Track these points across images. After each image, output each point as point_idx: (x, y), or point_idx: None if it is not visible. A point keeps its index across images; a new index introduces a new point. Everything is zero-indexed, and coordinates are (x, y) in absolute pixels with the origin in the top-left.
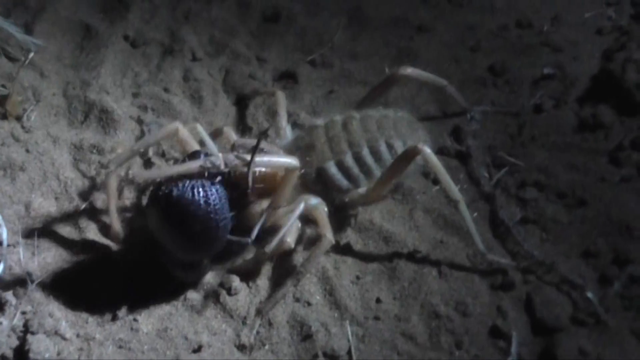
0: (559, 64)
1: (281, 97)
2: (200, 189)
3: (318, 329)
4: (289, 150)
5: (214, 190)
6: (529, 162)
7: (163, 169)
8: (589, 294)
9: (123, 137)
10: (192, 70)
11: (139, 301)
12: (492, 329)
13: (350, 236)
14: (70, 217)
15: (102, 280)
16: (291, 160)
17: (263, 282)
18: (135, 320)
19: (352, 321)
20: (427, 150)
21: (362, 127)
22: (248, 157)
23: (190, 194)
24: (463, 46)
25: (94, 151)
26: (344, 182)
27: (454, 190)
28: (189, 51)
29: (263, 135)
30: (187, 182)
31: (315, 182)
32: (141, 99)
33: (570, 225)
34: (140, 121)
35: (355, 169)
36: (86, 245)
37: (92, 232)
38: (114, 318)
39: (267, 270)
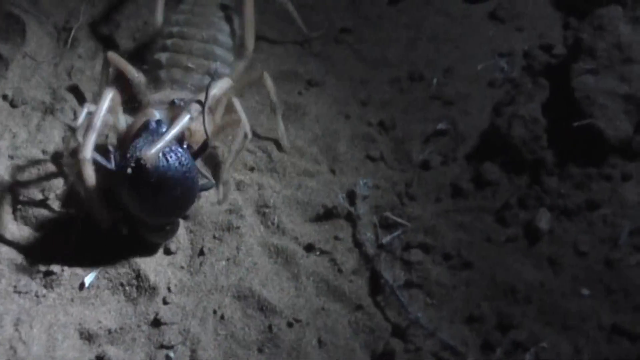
0: (452, 119)
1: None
2: (172, 153)
3: None
4: None
5: (181, 150)
6: (415, 221)
7: (163, 139)
8: None
9: None
10: None
11: None
12: None
13: (228, 305)
14: None
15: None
16: (227, 82)
17: None
18: None
19: None
20: None
21: None
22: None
23: (165, 161)
24: (354, 100)
25: None
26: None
27: None
28: (71, 110)
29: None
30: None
31: None
32: (17, 161)
33: (455, 288)
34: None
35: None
36: None
37: None
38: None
39: None
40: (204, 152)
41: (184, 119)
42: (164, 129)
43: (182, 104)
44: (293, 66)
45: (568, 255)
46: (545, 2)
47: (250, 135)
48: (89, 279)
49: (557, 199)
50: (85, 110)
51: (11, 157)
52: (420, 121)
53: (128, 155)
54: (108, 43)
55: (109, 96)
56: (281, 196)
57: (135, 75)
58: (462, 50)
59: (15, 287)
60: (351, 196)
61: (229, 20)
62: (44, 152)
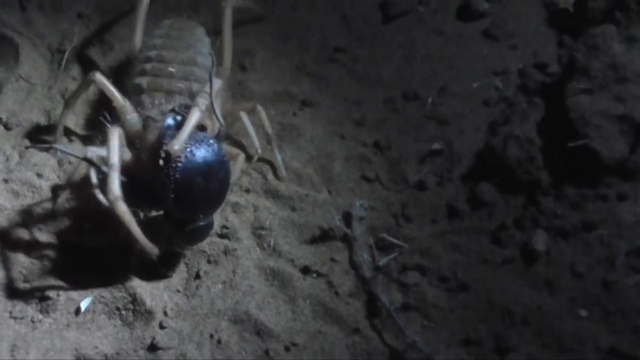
0: (447, 139)
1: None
2: (211, 141)
3: None
4: None
5: (212, 140)
6: (411, 242)
7: (184, 130)
8: None
9: None
10: None
11: None
12: None
13: (224, 329)
14: None
15: None
16: (220, 80)
17: None
18: None
19: None
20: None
21: None
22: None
23: (211, 151)
24: (348, 121)
25: None
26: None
27: None
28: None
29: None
30: (197, 143)
31: None
32: (12, 185)
33: (451, 311)
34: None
35: None
36: None
37: None
38: None
39: None
40: (224, 138)
41: (196, 113)
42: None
43: (182, 109)
44: (287, 86)
45: (565, 277)
46: (539, 21)
47: (260, 151)
48: (84, 303)
49: (553, 219)
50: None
51: (5, 181)
52: (416, 141)
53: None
54: (98, 66)
55: (117, 133)
56: (277, 218)
57: (122, 102)
58: (456, 69)
59: (10, 312)
60: (347, 218)
61: (205, 41)
62: (38, 175)
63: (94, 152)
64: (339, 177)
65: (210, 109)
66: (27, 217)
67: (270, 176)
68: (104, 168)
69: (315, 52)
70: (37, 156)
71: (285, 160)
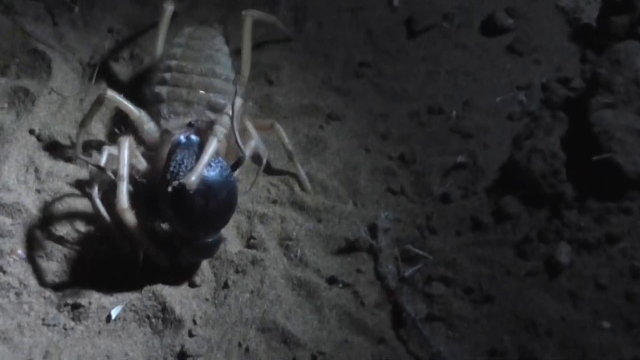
0: (471, 153)
1: None
2: (215, 163)
3: None
4: None
5: (222, 163)
6: (436, 254)
7: (201, 162)
8: None
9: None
10: None
11: None
12: None
13: (252, 338)
14: None
15: None
16: (240, 99)
17: None
18: None
19: None
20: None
21: None
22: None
23: (219, 175)
24: (374, 134)
25: None
26: None
27: None
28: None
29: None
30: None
31: None
32: (44, 195)
33: (476, 322)
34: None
35: None
36: None
37: None
38: None
39: None
40: (240, 166)
41: (213, 144)
42: (194, 142)
43: (200, 124)
44: (313, 100)
45: (588, 289)
46: (562, 36)
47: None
48: (115, 311)
49: (577, 232)
50: (106, 152)
51: (38, 192)
52: (440, 154)
53: (169, 174)
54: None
55: (126, 144)
56: (304, 229)
57: (137, 113)
58: (480, 83)
59: (43, 319)
60: (373, 229)
61: (225, 50)
62: (69, 185)
63: (112, 151)
64: (365, 189)
65: (233, 137)
66: (59, 227)
67: (296, 188)
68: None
69: (341, 66)
70: (69, 167)
71: (311, 173)
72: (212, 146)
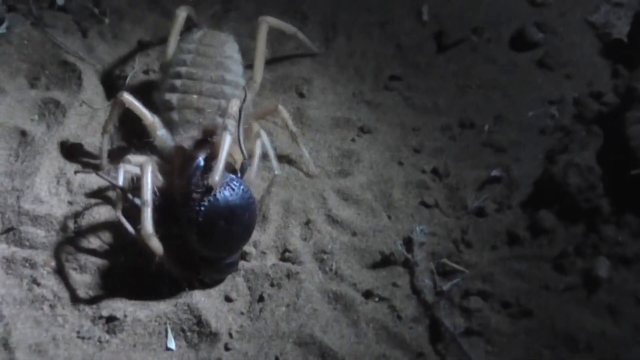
0: (505, 167)
1: None
2: (235, 184)
3: None
4: None
5: (235, 177)
6: (472, 268)
7: (219, 160)
8: None
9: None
10: None
11: None
12: None
13: (289, 352)
14: None
15: None
16: (238, 100)
17: None
18: None
19: None
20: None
21: None
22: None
23: (233, 189)
24: (406, 147)
25: (26, 265)
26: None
27: None
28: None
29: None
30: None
31: None
32: (76, 207)
33: (515, 337)
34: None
35: None
36: None
37: None
38: None
39: None
40: (245, 172)
41: (227, 139)
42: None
43: (211, 139)
44: (345, 113)
45: (628, 304)
46: (593, 51)
47: (277, 172)
48: (170, 342)
49: (615, 247)
50: (122, 171)
51: (70, 203)
52: (473, 168)
53: (193, 194)
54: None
55: (149, 169)
56: (338, 242)
57: (151, 119)
58: (511, 97)
59: (78, 332)
60: (408, 243)
61: (236, 57)
62: (102, 198)
63: (129, 170)
64: (399, 202)
65: (237, 140)
66: (92, 239)
67: (330, 202)
68: (137, 201)
69: (372, 80)
70: (99, 179)
71: (344, 186)
72: (226, 142)
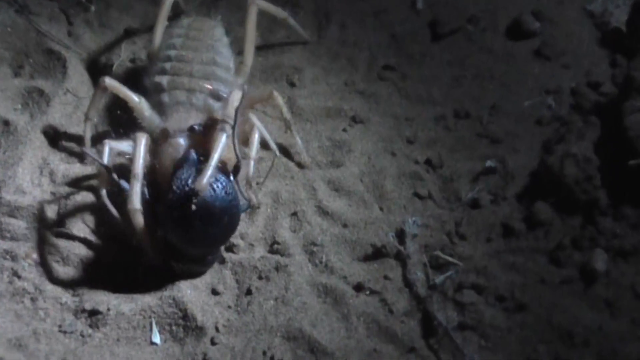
0: (500, 158)
1: None
2: (218, 183)
3: None
4: None
5: (223, 177)
6: (466, 261)
7: (210, 164)
8: None
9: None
10: None
11: None
12: None
13: (278, 346)
14: None
15: None
16: (238, 93)
17: None
18: None
19: None
20: None
21: None
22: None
23: (215, 191)
24: (399, 138)
25: (7, 257)
26: None
27: None
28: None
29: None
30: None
31: None
32: (58, 198)
33: (510, 331)
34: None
35: None
36: None
37: None
38: None
39: None
40: (238, 173)
41: (223, 141)
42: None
43: (201, 129)
44: (337, 103)
45: (626, 298)
46: (590, 40)
47: (278, 154)
48: (155, 336)
49: (612, 239)
50: (107, 147)
51: (53, 194)
52: (468, 159)
53: (175, 188)
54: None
55: (143, 141)
56: (329, 234)
57: (137, 100)
58: (507, 87)
59: (60, 326)
60: (400, 235)
61: (224, 41)
62: (86, 188)
63: (113, 145)
64: (391, 194)
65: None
66: (75, 230)
67: (320, 193)
68: (123, 182)
69: (365, 69)
70: (84, 169)
71: (335, 177)
72: (221, 144)
